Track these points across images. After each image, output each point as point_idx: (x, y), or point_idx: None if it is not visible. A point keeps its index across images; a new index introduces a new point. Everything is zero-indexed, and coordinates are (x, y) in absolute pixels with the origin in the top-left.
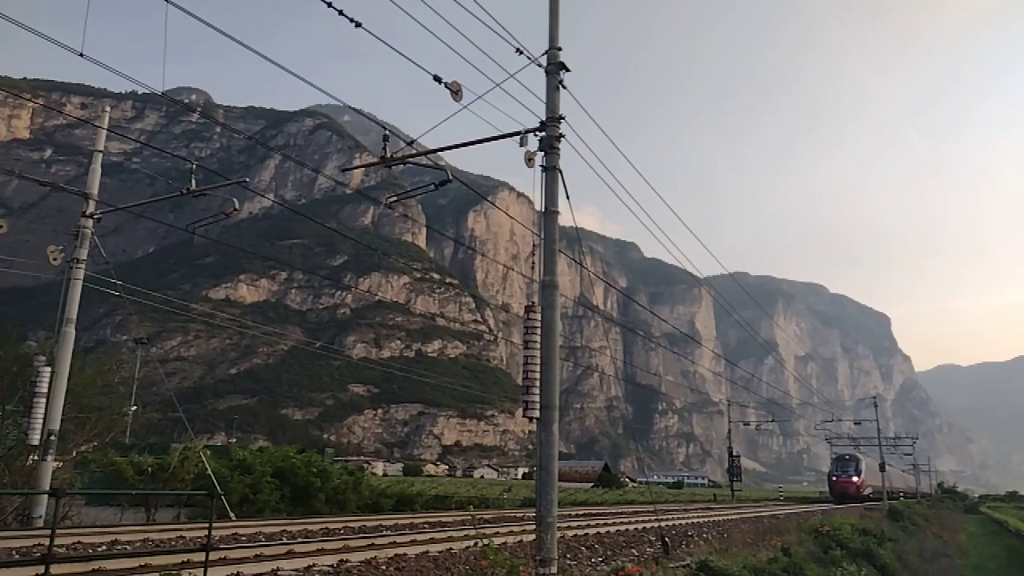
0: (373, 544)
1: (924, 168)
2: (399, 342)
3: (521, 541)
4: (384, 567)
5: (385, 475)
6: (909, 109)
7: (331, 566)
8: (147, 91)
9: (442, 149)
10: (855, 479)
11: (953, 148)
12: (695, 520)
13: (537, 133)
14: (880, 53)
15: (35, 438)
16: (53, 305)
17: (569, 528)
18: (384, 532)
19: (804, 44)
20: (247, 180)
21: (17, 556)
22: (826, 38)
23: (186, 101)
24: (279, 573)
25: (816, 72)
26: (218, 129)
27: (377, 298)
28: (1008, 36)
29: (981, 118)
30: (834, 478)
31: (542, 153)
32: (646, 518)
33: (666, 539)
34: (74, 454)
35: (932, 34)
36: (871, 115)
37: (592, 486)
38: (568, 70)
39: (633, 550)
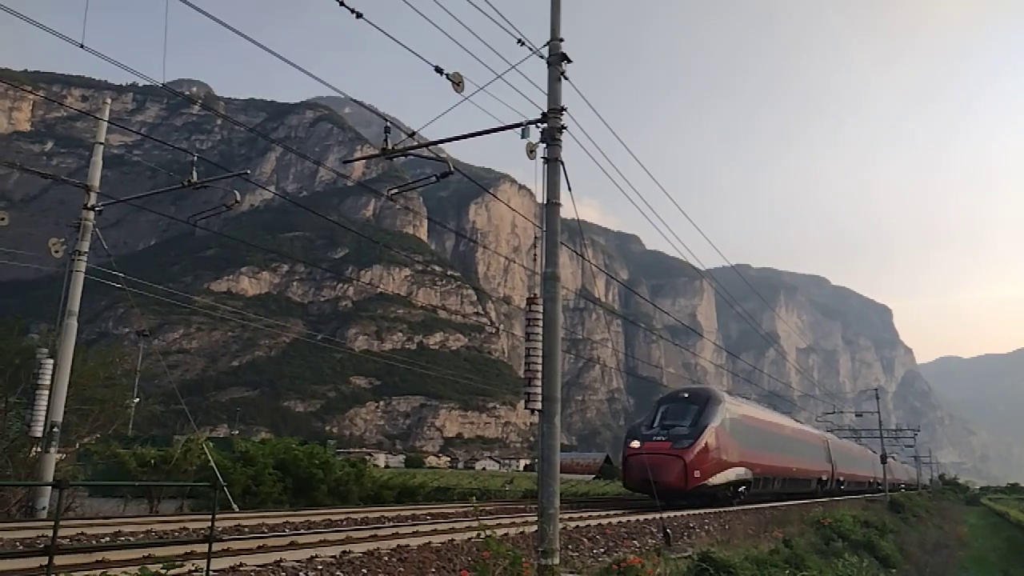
0: (375, 535)
1: (926, 161)
2: (401, 334)
3: (523, 532)
4: (387, 558)
5: (387, 467)
6: (911, 102)
7: (334, 557)
8: (148, 83)
9: (443, 141)
10: (684, 449)
11: (955, 140)
12: (697, 511)
13: (539, 125)
14: (882, 46)
15: (38, 430)
16: (55, 298)
17: (571, 519)
18: (386, 523)
19: (805, 36)
20: (248, 172)
21: (21, 547)
22: (827, 30)
23: (187, 93)
24: (282, 564)
25: (817, 64)
26: (219, 121)
27: (379, 290)
28: (1010, 29)
29: (983, 111)
30: (634, 446)
31: (544, 145)
32: (647, 509)
33: (668, 530)
34: (77, 446)
35: (934, 27)
36: (873, 108)
37: (594, 478)
38: (570, 61)
39: (635, 541)
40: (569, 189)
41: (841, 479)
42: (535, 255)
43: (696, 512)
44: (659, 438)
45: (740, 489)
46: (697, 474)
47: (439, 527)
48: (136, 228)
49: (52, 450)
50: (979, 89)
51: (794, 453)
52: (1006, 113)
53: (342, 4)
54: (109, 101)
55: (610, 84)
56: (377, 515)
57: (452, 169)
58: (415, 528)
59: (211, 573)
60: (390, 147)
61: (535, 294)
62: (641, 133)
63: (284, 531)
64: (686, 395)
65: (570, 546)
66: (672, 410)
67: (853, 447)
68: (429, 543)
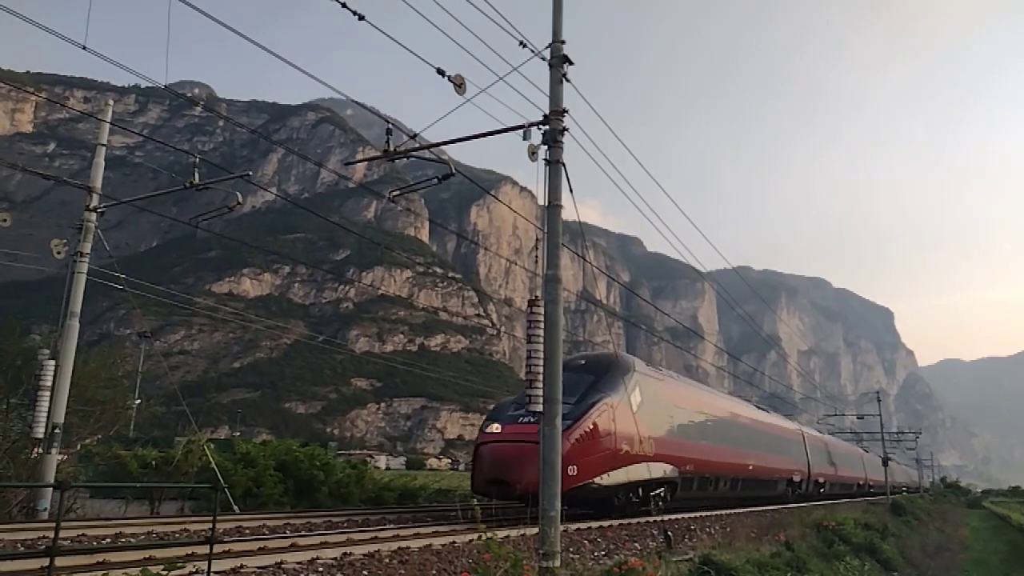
0: (376, 537)
1: (926, 160)
2: (402, 336)
3: (524, 535)
4: (388, 560)
5: (388, 469)
6: (909, 100)
7: (335, 559)
8: (150, 84)
9: (445, 143)
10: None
11: (954, 140)
12: (698, 514)
13: (540, 127)
14: (880, 42)
15: (39, 431)
16: (57, 299)
17: (572, 521)
18: (387, 525)
19: (804, 32)
20: (250, 174)
21: (22, 548)
22: (825, 26)
23: (189, 95)
24: (283, 566)
25: (815, 62)
26: (221, 123)
27: (380, 292)
28: (1008, 26)
29: (983, 109)
30: (492, 431)
31: (545, 147)
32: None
33: (669, 533)
34: (78, 447)
35: (933, 23)
36: (871, 107)
37: None
38: (571, 63)
39: (636, 544)
40: (571, 191)
41: (820, 480)
42: (536, 257)
43: (697, 515)
44: (527, 419)
45: (656, 492)
46: (574, 471)
47: (440, 529)
48: (138, 229)
49: (53, 451)
50: (979, 86)
51: (751, 447)
52: (1006, 111)
53: (344, 6)
54: (111, 102)
55: (609, 85)
56: (378, 517)
57: (453, 171)
58: (416, 530)
59: (212, 575)
60: (392, 149)
61: (536, 296)
62: (641, 134)
63: (285, 533)
64: (582, 362)
65: (571, 548)
66: (564, 382)
67: (837, 443)
68: (430, 545)
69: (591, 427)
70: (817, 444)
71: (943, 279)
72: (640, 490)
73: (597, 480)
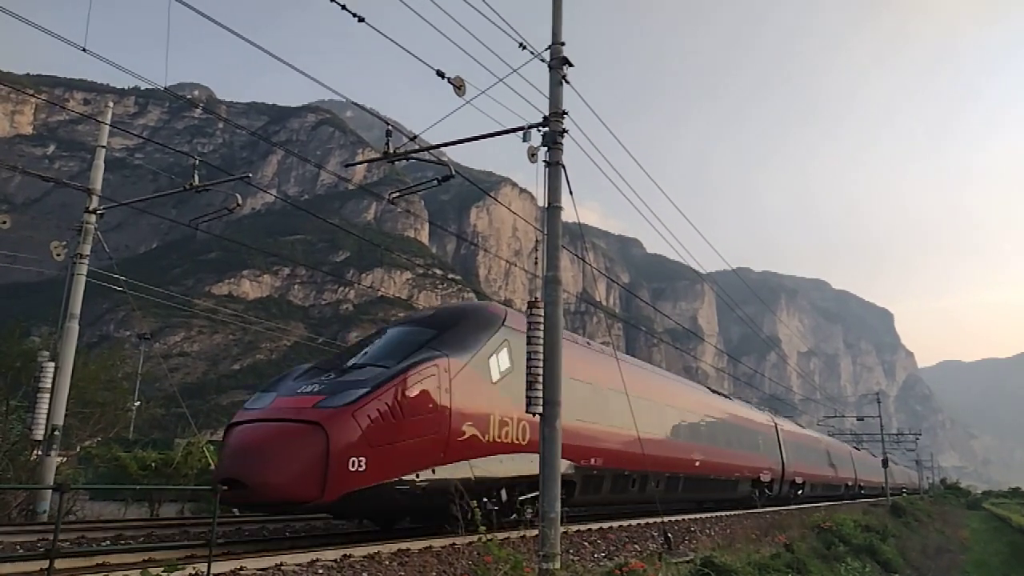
0: (376, 539)
1: (926, 161)
2: None
3: (524, 536)
4: (387, 561)
5: None
6: (910, 99)
7: (335, 560)
8: (150, 86)
9: (445, 144)
10: (334, 411)
11: (954, 139)
12: (698, 516)
13: (540, 128)
14: (880, 42)
15: (39, 433)
16: (56, 301)
17: (572, 523)
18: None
19: (802, 32)
20: (250, 176)
21: (21, 551)
22: (824, 26)
23: (189, 96)
24: (283, 567)
25: (814, 61)
26: (220, 125)
27: (380, 293)
28: (1008, 26)
29: (983, 109)
30: (255, 407)
31: (545, 148)
32: (649, 514)
33: (669, 535)
34: (78, 449)
35: (932, 23)
36: (870, 106)
37: None
38: (571, 65)
39: (636, 545)
40: (570, 193)
41: (798, 480)
42: (536, 258)
43: (697, 516)
44: (309, 388)
45: (528, 497)
46: (361, 464)
47: (440, 530)
48: (137, 231)
49: (53, 453)
50: (977, 86)
51: (698, 438)
52: (1006, 111)
53: (344, 8)
54: (111, 104)
55: (608, 84)
56: None
57: (453, 172)
58: (415, 531)
59: None
60: (391, 151)
61: (536, 297)
62: (640, 135)
63: (285, 534)
64: (429, 314)
65: (571, 550)
66: (391, 339)
67: (821, 439)
68: (430, 547)
69: (398, 400)
70: (795, 439)
71: (943, 280)
72: (503, 492)
73: (409, 478)
